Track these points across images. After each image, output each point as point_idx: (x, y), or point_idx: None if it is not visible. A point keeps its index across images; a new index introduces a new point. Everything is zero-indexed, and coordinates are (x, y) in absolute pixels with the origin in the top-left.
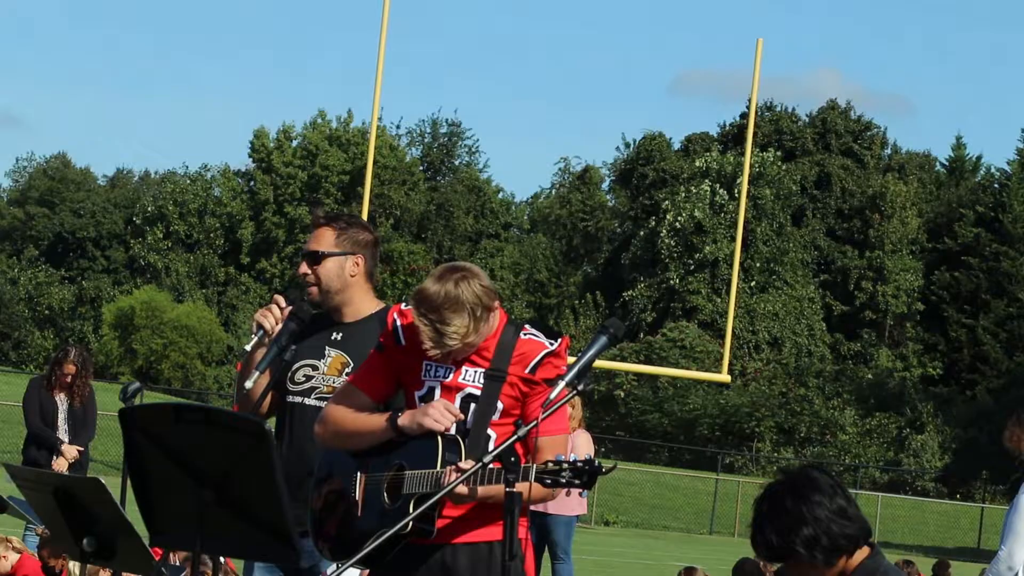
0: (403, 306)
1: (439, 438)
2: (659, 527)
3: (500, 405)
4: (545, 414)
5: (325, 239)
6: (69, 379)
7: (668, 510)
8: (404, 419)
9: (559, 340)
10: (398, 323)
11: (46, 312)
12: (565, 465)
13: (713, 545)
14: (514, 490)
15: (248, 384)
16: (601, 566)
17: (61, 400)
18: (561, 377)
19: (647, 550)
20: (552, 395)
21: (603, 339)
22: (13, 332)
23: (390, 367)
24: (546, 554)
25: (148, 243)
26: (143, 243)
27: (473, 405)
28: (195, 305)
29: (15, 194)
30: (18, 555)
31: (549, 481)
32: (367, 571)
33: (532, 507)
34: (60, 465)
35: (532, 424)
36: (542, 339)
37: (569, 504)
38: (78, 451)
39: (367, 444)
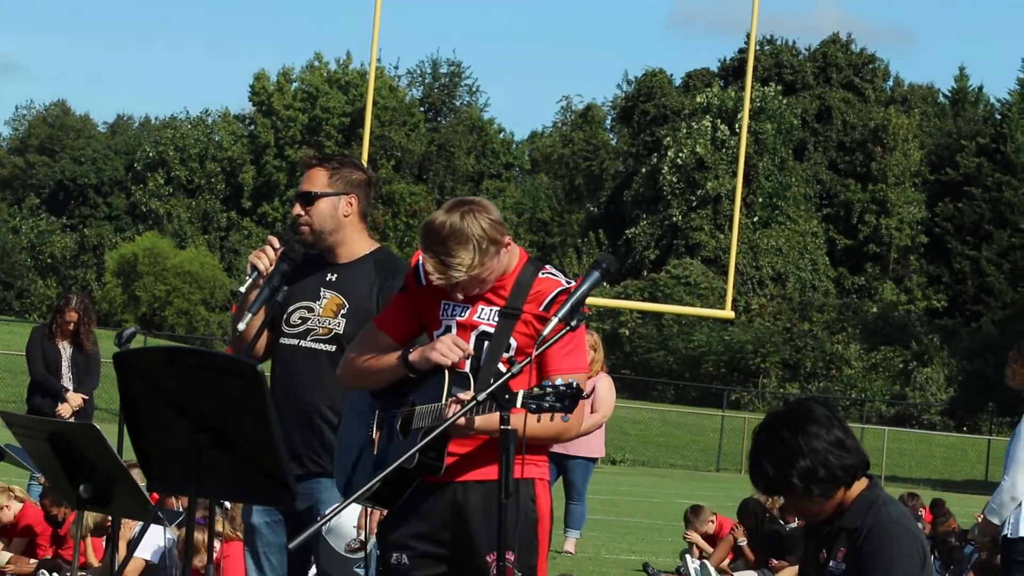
0: None
1: (446, 372)
2: (665, 465)
3: (513, 343)
4: (538, 351)
5: (318, 179)
6: (72, 327)
7: (674, 448)
8: (414, 355)
9: (577, 279)
10: (421, 263)
11: (48, 261)
12: (549, 389)
13: (720, 482)
14: (508, 427)
15: (241, 326)
16: (608, 504)
17: (64, 348)
18: (556, 313)
19: (654, 488)
20: (545, 331)
21: (595, 274)
22: (16, 281)
23: (412, 308)
24: (560, 492)
25: (149, 189)
26: (144, 189)
27: (487, 342)
28: (197, 251)
29: (15, 142)
30: (20, 504)
31: (534, 406)
32: (381, 510)
33: (552, 449)
34: (64, 411)
35: (526, 360)
36: (559, 278)
37: (588, 446)
38: (83, 399)
39: (384, 382)
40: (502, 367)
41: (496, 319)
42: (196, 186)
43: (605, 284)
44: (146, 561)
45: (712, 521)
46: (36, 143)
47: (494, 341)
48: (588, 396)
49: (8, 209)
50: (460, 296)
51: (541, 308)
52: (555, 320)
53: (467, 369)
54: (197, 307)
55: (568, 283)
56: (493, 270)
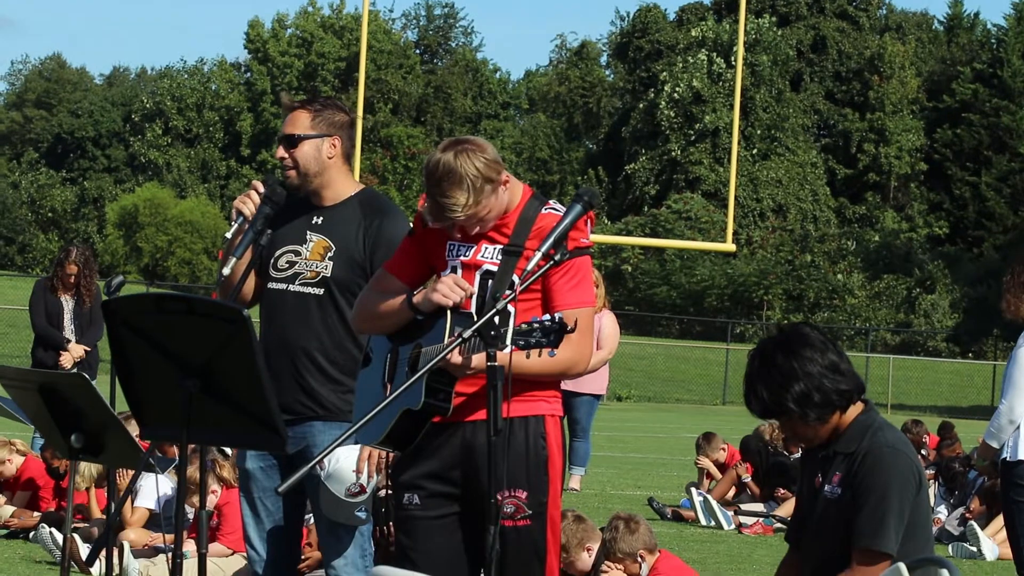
0: None
1: (449, 313)
2: (672, 400)
3: (516, 280)
4: (523, 286)
5: (300, 122)
6: (73, 279)
7: (680, 383)
8: (418, 297)
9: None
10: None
11: (49, 215)
12: (536, 325)
13: (726, 416)
14: (495, 363)
15: (226, 271)
16: (614, 441)
17: (66, 301)
18: (538, 248)
19: (660, 423)
20: (529, 266)
21: (577, 207)
22: (17, 236)
23: (420, 250)
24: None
25: (148, 140)
26: (143, 140)
27: (490, 281)
28: (198, 200)
29: (12, 97)
30: (22, 458)
31: (522, 343)
32: (392, 452)
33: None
34: (66, 361)
35: (511, 296)
36: (562, 212)
37: (593, 383)
38: (85, 350)
39: (394, 325)
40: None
41: (499, 257)
42: (194, 135)
43: (606, 221)
44: (149, 510)
45: (723, 449)
46: (33, 97)
47: (497, 279)
48: (572, 330)
49: (7, 164)
50: (458, 236)
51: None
52: (538, 255)
53: (472, 308)
54: (199, 256)
55: None
56: (491, 208)
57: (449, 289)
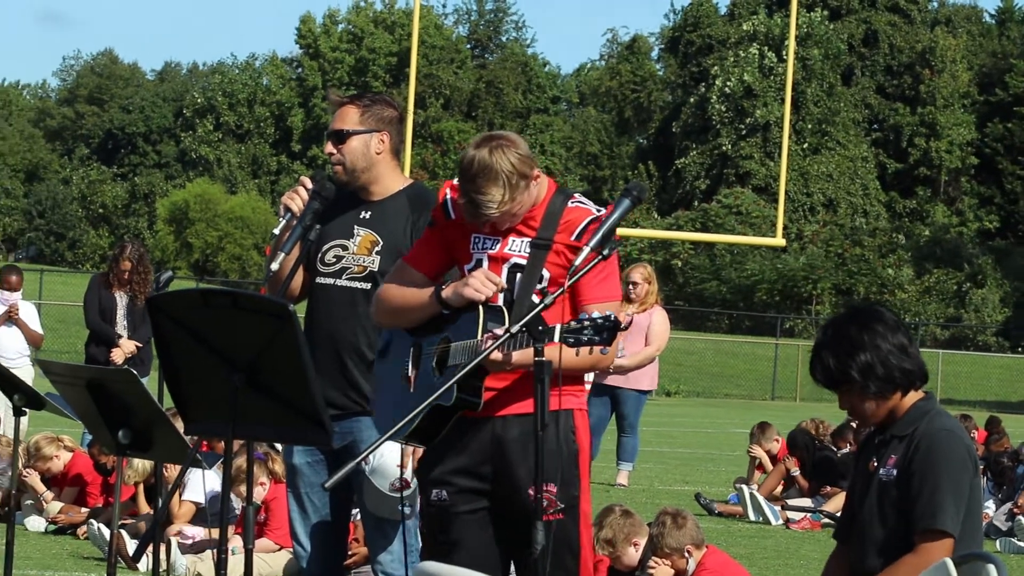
0: (455, 181)
1: (480, 308)
2: (720, 395)
3: (546, 273)
4: (570, 281)
5: (349, 117)
6: (126, 275)
7: (729, 378)
8: (447, 291)
9: (607, 208)
10: (448, 197)
11: (100, 211)
12: (586, 323)
13: (775, 411)
14: (543, 358)
15: (274, 266)
16: (663, 436)
17: (120, 297)
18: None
19: (708, 418)
20: (577, 261)
21: (626, 202)
22: (68, 232)
23: (442, 242)
24: (613, 425)
25: (199, 135)
26: (194, 136)
27: (519, 275)
28: (248, 196)
29: (64, 93)
30: (70, 454)
31: (572, 340)
32: (419, 447)
33: (605, 381)
34: (117, 356)
35: (559, 291)
36: (589, 206)
37: (641, 379)
38: (136, 346)
39: (417, 319)
40: (535, 299)
41: (527, 250)
42: (245, 131)
43: (656, 215)
44: (197, 505)
45: (777, 440)
46: (85, 93)
47: (526, 273)
48: (626, 328)
49: (59, 160)
50: (485, 229)
51: (572, 237)
52: (587, 249)
53: (500, 302)
54: (250, 252)
55: (598, 211)
56: (524, 204)
57: (481, 283)
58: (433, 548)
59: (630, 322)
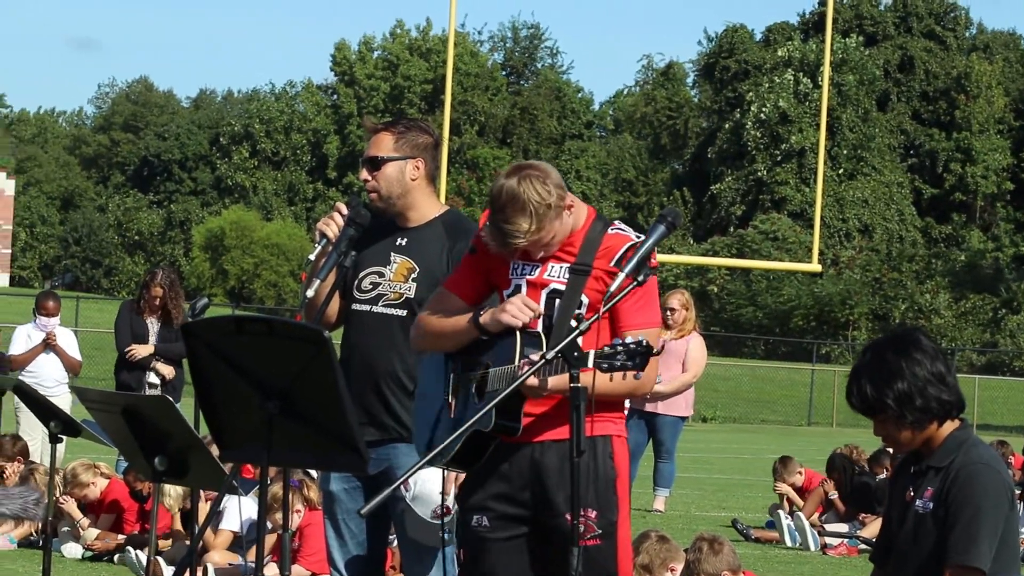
0: None
1: (518, 333)
2: (757, 421)
3: (585, 299)
4: (606, 307)
5: (384, 144)
6: (158, 301)
7: (765, 403)
8: (485, 317)
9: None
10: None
11: (136, 238)
12: (619, 348)
13: (812, 436)
14: (578, 384)
15: (309, 293)
16: (700, 462)
17: (152, 323)
18: (622, 268)
19: (745, 444)
20: (613, 287)
21: (661, 228)
22: (104, 259)
23: (482, 268)
24: (650, 451)
25: (234, 163)
26: (229, 163)
27: (557, 300)
28: (284, 222)
29: (99, 120)
30: (107, 480)
31: (606, 365)
32: (460, 473)
33: (642, 407)
34: (141, 350)
35: (594, 317)
36: (629, 233)
37: (678, 405)
38: (171, 369)
39: (456, 345)
40: (573, 324)
41: (566, 276)
42: (281, 158)
43: (691, 241)
44: (234, 533)
45: (800, 473)
46: (120, 120)
47: (565, 298)
48: (658, 353)
49: (94, 187)
50: (519, 256)
51: (611, 263)
52: (622, 275)
53: (539, 328)
54: (285, 279)
55: (638, 237)
56: (556, 233)
57: (518, 310)
58: (469, 574)
59: (663, 347)
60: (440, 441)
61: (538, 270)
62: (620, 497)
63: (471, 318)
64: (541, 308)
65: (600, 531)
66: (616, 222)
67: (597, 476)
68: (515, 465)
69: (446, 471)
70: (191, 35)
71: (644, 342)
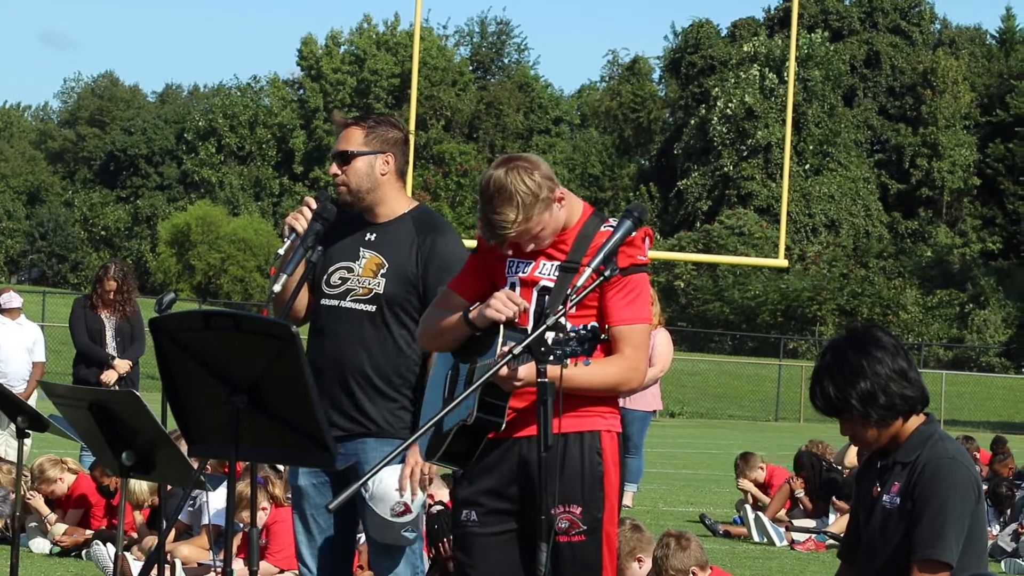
0: None
1: (502, 328)
2: (724, 416)
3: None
4: (573, 302)
5: (354, 138)
6: (112, 295)
7: (733, 399)
8: (473, 313)
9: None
10: None
11: (102, 233)
12: (572, 335)
13: (779, 431)
14: (545, 379)
15: (276, 287)
16: (666, 457)
17: (107, 317)
18: (588, 263)
19: (712, 439)
20: (579, 282)
21: (628, 223)
22: (70, 254)
23: (483, 267)
24: None
25: (200, 158)
26: (195, 158)
27: (547, 297)
28: (251, 217)
29: (65, 115)
30: (74, 476)
31: (558, 352)
32: (454, 469)
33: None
34: (109, 377)
35: (561, 312)
36: None
37: (645, 400)
38: (129, 365)
39: (455, 342)
40: (563, 320)
41: (556, 273)
42: (247, 153)
43: (659, 236)
44: (218, 527)
45: (762, 468)
46: (86, 115)
47: (554, 295)
48: (606, 338)
49: (60, 182)
50: (509, 252)
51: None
52: (588, 270)
53: (529, 324)
54: (252, 274)
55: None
56: (545, 226)
57: (502, 304)
58: (459, 569)
59: (608, 332)
60: (437, 435)
61: (530, 267)
62: (608, 494)
63: (462, 314)
64: (527, 303)
65: (585, 527)
66: (611, 219)
67: (583, 471)
68: (502, 460)
69: (426, 467)
70: (157, 30)
71: (592, 327)
